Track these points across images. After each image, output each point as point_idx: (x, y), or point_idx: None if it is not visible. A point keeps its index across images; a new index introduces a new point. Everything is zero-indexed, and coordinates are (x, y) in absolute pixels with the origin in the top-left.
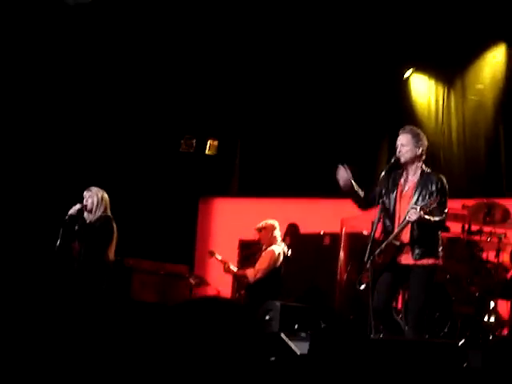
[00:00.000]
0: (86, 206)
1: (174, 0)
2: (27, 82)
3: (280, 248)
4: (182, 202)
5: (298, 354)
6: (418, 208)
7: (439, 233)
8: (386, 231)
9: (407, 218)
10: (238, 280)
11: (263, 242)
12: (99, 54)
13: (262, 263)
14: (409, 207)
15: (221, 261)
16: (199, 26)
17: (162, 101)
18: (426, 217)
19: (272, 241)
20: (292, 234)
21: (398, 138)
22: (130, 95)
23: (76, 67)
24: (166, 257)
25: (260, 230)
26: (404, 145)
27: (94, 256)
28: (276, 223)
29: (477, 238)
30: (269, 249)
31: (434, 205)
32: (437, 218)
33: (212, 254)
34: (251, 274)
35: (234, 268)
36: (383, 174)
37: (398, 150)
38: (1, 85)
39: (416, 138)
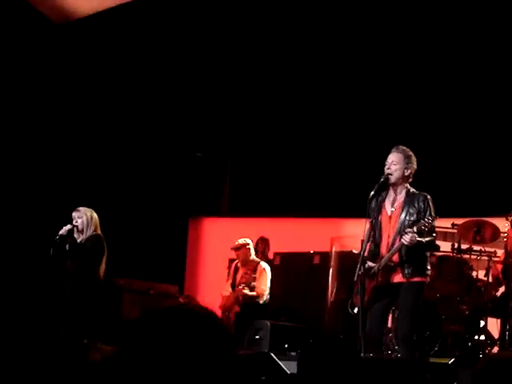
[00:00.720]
0: (76, 226)
1: (160, 19)
2: (17, 98)
3: (267, 265)
4: (171, 222)
5: (288, 373)
6: (415, 228)
7: (429, 250)
8: (374, 251)
9: (403, 241)
10: (245, 301)
11: (242, 260)
12: (84, 75)
13: (265, 281)
14: (397, 229)
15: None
16: (191, 45)
17: (153, 120)
18: (419, 239)
19: (249, 258)
20: (264, 249)
21: (389, 156)
22: (120, 115)
23: (66, 84)
24: (156, 276)
25: (239, 248)
26: (395, 163)
27: (86, 275)
28: (250, 240)
29: (466, 256)
30: (262, 266)
31: (432, 224)
32: (428, 238)
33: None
34: (262, 294)
35: (246, 291)
36: (372, 193)
37: (386, 167)
38: None
39: (407, 160)
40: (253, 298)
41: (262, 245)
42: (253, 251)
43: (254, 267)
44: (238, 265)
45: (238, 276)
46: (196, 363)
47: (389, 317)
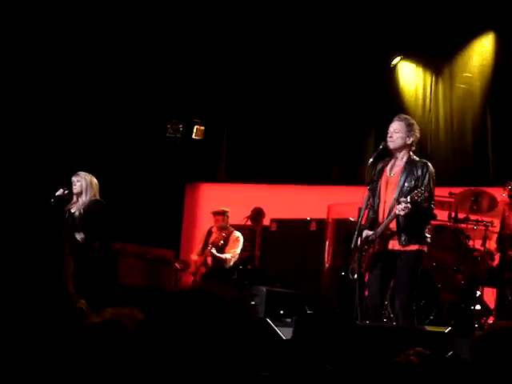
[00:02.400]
0: (73, 189)
1: None
2: (13, 67)
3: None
4: (168, 188)
5: (284, 339)
6: (409, 198)
7: (428, 218)
8: (372, 218)
9: (396, 211)
10: (215, 263)
11: (220, 225)
12: (86, 38)
13: (236, 248)
14: (395, 195)
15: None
16: (189, 13)
17: (149, 86)
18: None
19: (226, 224)
20: (257, 217)
21: (391, 125)
22: (117, 81)
23: (63, 52)
24: (152, 241)
25: (221, 213)
26: (397, 131)
27: (86, 241)
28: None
29: (463, 225)
30: (236, 234)
31: (426, 194)
32: (424, 205)
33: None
34: (229, 258)
35: (214, 252)
36: (371, 160)
37: (388, 136)
38: None
39: (409, 128)
40: (220, 261)
41: (258, 215)
42: (229, 220)
43: (228, 234)
44: (213, 229)
45: (210, 240)
46: (212, 345)
47: (389, 285)
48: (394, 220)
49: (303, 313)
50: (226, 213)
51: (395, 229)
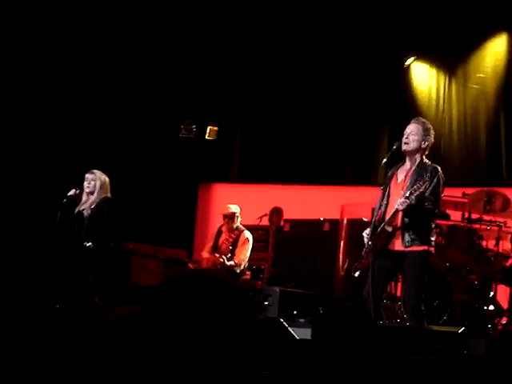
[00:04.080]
0: (85, 187)
1: None
2: (25, 64)
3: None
4: (181, 188)
5: (298, 338)
6: (408, 193)
7: (432, 221)
8: (381, 217)
9: (396, 206)
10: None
11: (230, 226)
12: (97, 38)
13: (246, 251)
14: (403, 193)
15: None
16: (201, 13)
17: (163, 86)
18: (414, 198)
19: (235, 225)
20: (276, 217)
21: (408, 126)
22: (130, 80)
23: (74, 50)
24: (166, 241)
25: (232, 216)
26: (413, 133)
27: (99, 240)
28: (239, 208)
29: (477, 226)
30: (245, 235)
31: (422, 189)
32: (429, 207)
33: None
34: (240, 263)
35: (225, 261)
36: (384, 160)
37: (404, 137)
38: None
39: (426, 132)
40: (230, 267)
41: (276, 215)
42: (239, 219)
43: (237, 235)
44: (222, 229)
45: (220, 240)
46: (214, 327)
47: (388, 283)
48: (399, 218)
49: (321, 314)
50: (235, 214)
51: (398, 226)
